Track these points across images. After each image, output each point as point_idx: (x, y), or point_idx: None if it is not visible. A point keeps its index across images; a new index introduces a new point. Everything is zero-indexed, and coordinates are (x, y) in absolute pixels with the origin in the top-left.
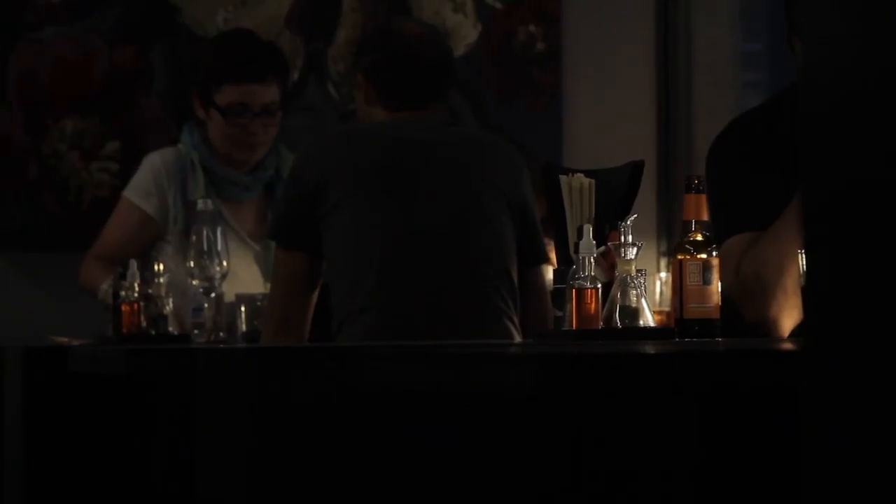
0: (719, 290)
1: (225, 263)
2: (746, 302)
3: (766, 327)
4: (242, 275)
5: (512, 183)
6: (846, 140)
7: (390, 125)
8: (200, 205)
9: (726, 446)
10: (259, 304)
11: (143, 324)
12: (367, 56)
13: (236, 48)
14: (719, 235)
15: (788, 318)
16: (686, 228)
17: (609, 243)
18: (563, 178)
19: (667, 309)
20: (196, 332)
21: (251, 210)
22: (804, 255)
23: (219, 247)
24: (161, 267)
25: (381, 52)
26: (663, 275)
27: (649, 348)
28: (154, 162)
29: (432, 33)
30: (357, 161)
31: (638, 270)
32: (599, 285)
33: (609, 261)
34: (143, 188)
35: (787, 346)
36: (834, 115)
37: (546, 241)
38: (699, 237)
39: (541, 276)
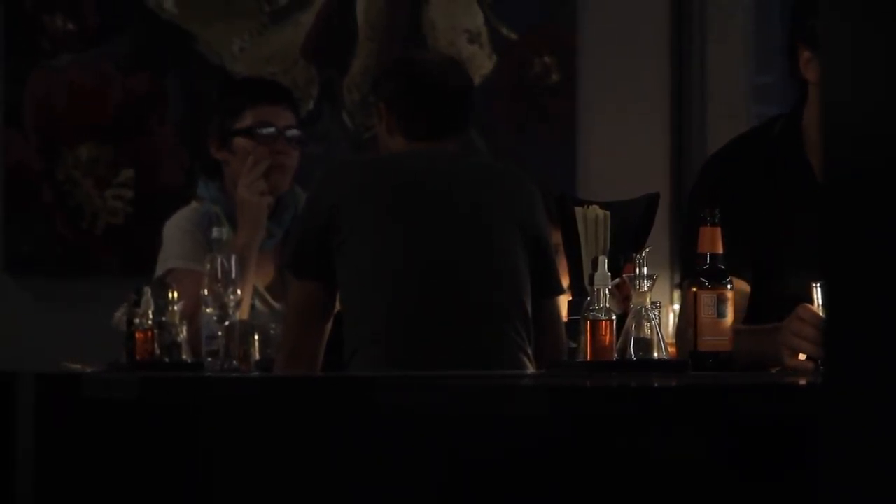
0: (732, 323)
1: (239, 291)
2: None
3: None
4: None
5: (527, 214)
6: (866, 170)
7: (405, 155)
8: (215, 233)
9: (740, 479)
10: (272, 332)
11: (157, 351)
12: (388, 85)
13: (248, 82)
14: (688, 270)
15: None
16: (700, 261)
17: (624, 275)
18: (578, 209)
19: None
20: (209, 359)
21: (270, 261)
22: (822, 289)
23: (233, 275)
24: (175, 294)
25: (402, 81)
26: (676, 307)
27: (663, 381)
28: (180, 224)
29: (454, 64)
30: (372, 191)
31: (652, 302)
32: (614, 317)
33: (624, 292)
34: (186, 252)
35: (803, 380)
36: (855, 143)
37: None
38: (713, 270)
39: (555, 306)
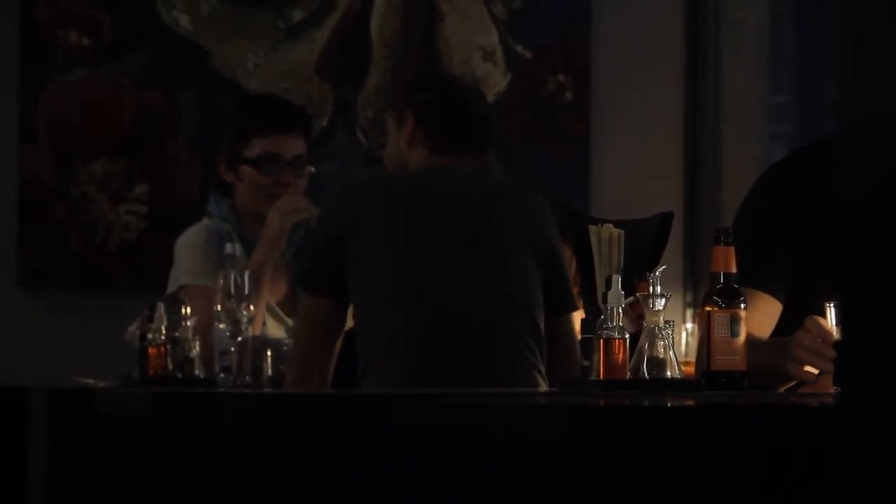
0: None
1: (252, 307)
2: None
3: None
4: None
5: (540, 231)
6: (882, 191)
7: (418, 174)
8: (228, 249)
9: (753, 499)
10: (285, 348)
11: (170, 366)
12: (419, 96)
13: (261, 106)
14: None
15: None
16: (714, 280)
17: (637, 294)
18: (592, 227)
19: (692, 360)
20: (222, 375)
21: (282, 277)
22: (836, 308)
23: (246, 290)
24: (188, 310)
25: (433, 93)
26: (689, 325)
27: (676, 400)
28: (191, 241)
29: (477, 87)
30: (384, 209)
31: (666, 321)
32: (627, 336)
33: (637, 311)
34: (197, 269)
35: (816, 400)
36: (872, 162)
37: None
38: (727, 289)
39: (568, 323)
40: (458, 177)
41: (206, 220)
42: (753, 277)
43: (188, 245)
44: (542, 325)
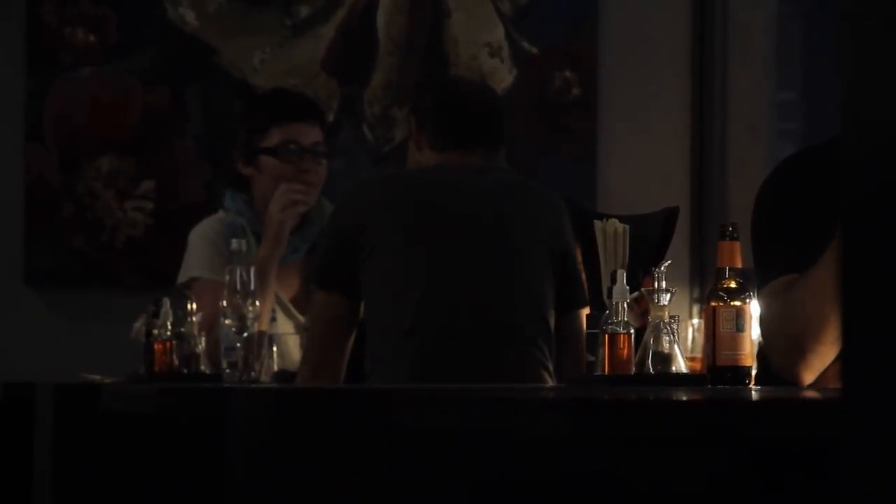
0: (752, 337)
1: (258, 303)
2: (771, 351)
3: (792, 379)
4: (284, 350)
5: (553, 229)
6: (884, 192)
7: (430, 170)
8: (234, 244)
9: (758, 496)
10: (291, 343)
11: (176, 362)
12: (419, 100)
13: (274, 97)
14: (763, 277)
15: (811, 372)
16: (720, 275)
17: (642, 289)
18: (597, 223)
19: (698, 355)
20: (228, 371)
21: (295, 273)
22: (842, 303)
23: (252, 286)
24: (194, 306)
25: (433, 95)
26: (695, 321)
27: (682, 395)
28: (205, 233)
29: (486, 86)
30: (396, 206)
31: (671, 316)
32: (632, 331)
33: (642, 306)
34: (208, 262)
35: (822, 395)
36: (874, 162)
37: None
38: (733, 284)
39: (579, 320)
40: (467, 175)
41: (221, 213)
42: (781, 265)
43: (202, 237)
44: (552, 324)
